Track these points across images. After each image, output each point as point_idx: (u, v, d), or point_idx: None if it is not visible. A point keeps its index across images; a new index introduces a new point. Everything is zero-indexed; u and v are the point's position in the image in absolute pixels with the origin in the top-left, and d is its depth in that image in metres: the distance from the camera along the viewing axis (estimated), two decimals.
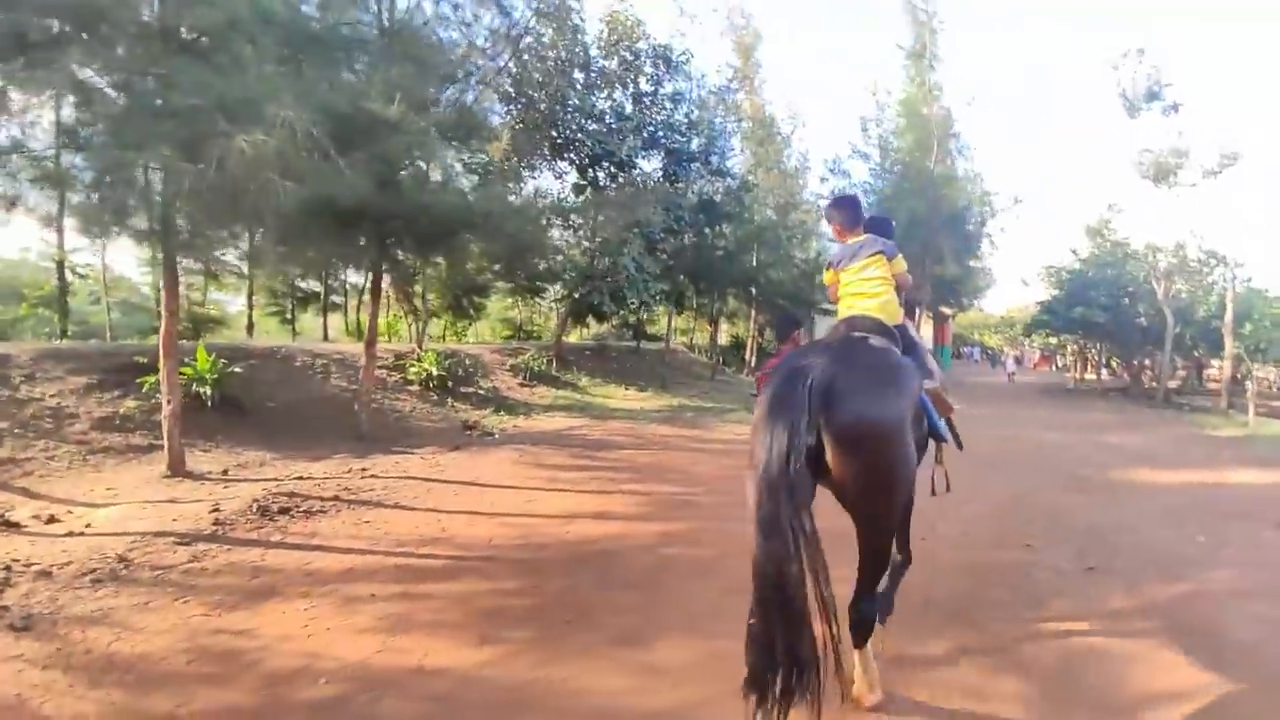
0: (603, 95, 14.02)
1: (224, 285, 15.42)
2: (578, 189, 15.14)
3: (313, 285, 18.02)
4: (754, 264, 20.12)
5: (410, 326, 19.50)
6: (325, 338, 16.50)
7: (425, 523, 5.04)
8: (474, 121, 10.44)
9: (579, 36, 13.30)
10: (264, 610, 3.43)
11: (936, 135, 13.53)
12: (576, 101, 12.46)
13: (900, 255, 3.03)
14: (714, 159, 16.15)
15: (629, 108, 14.68)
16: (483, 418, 10.63)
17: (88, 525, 4.68)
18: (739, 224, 18.75)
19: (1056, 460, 8.29)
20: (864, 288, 2.94)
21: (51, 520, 4.83)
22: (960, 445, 3.33)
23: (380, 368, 11.33)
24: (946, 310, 24.37)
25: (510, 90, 12.41)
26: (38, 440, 6.25)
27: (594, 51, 14.04)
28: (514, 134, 13.21)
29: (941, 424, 2.87)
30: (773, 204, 20.91)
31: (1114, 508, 6.01)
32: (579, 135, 12.68)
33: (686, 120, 15.25)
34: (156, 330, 14.11)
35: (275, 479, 6.25)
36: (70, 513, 5.04)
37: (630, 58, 14.35)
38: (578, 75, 13.63)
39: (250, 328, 16.80)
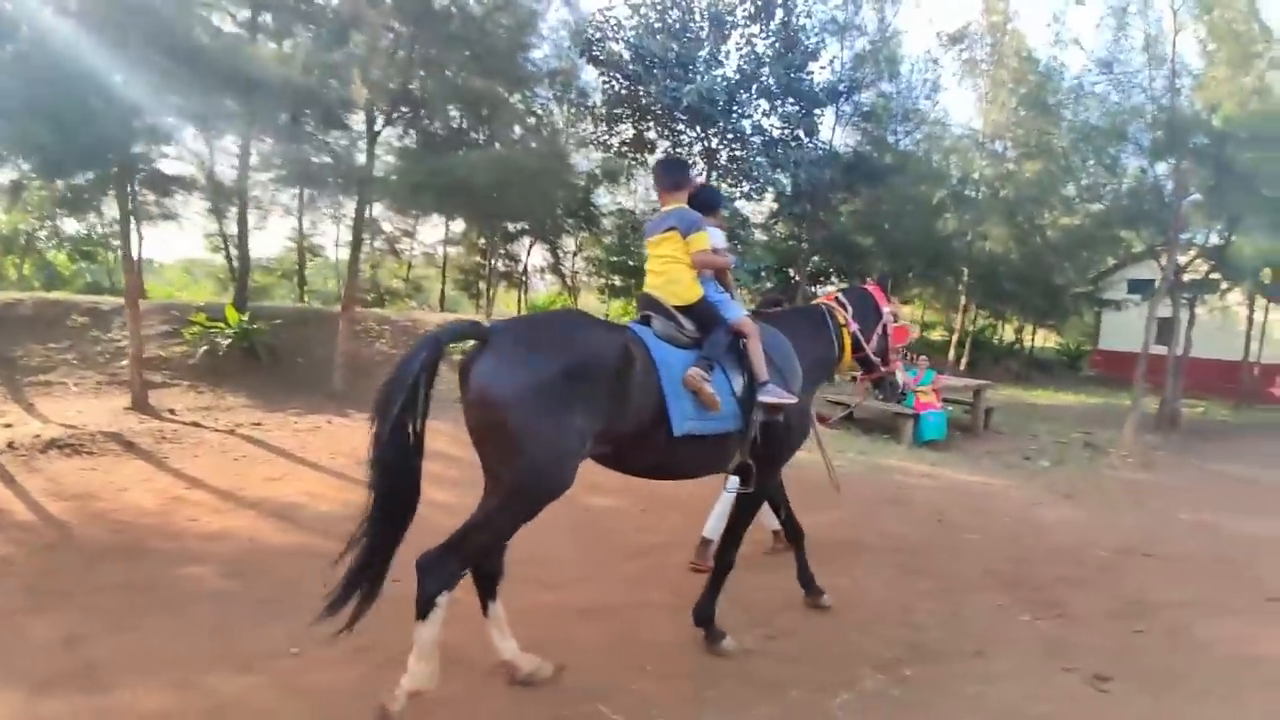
0: (713, 40, 12.02)
1: (402, 262, 18.27)
2: (708, 153, 13.47)
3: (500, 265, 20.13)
4: (963, 235, 15.33)
5: (573, 303, 20.38)
6: (489, 314, 18.28)
7: (128, 483, 4.94)
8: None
9: None
10: None
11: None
12: (652, 50, 10.86)
13: (704, 231, 2.78)
14: (861, 96, 12.46)
15: (760, 47, 12.27)
16: None
17: (9, 441, 5.76)
18: (931, 181, 14.39)
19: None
20: (654, 264, 2.86)
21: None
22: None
23: None
24: None
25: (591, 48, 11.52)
26: (85, 370, 8.14)
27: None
28: (605, 98, 12.33)
29: (683, 414, 2.50)
30: (1012, 153, 15.42)
31: None
32: (652, 89, 11.03)
33: (791, 46, 11.89)
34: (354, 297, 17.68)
35: (187, 423, 7.00)
36: (22, 426, 6.40)
37: None
38: (691, 21, 11.95)
39: (442, 300, 19.62)
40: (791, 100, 12.39)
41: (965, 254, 15.82)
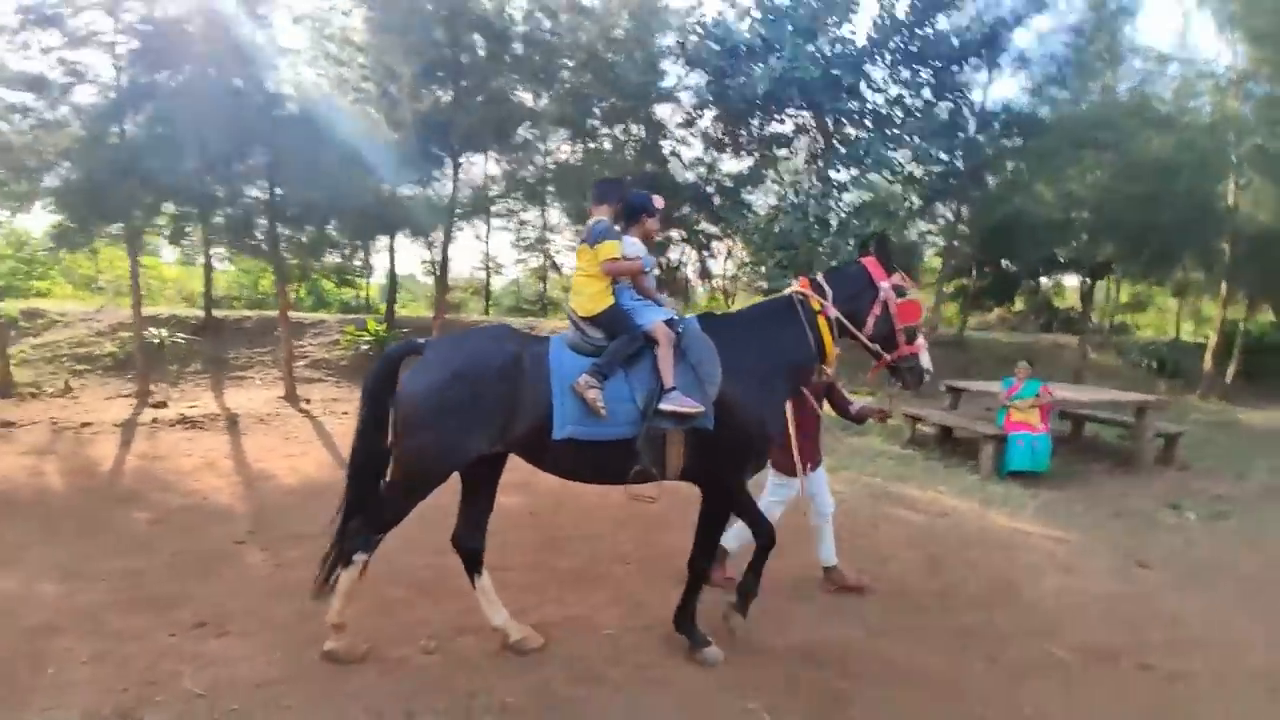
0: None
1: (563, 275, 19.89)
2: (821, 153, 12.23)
3: None
4: (1216, 202, 11.27)
5: (727, 307, 19.91)
6: None
7: (195, 450, 6.50)
8: None
9: None
10: None
11: None
12: (735, 39, 10.15)
13: (609, 241, 2.78)
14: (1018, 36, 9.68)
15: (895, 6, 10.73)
16: None
17: (154, 420, 8.22)
18: (1157, 131, 10.83)
19: None
20: (574, 280, 2.96)
21: (160, 405, 8.66)
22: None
23: None
24: None
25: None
26: (272, 370, 10.76)
27: None
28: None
29: (564, 418, 2.60)
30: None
31: None
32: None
33: None
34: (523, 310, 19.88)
35: (301, 410, 8.87)
36: (202, 409, 8.87)
37: None
38: None
39: None
40: (921, 62, 10.55)
41: (1227, 226, 11.57)
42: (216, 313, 12.14)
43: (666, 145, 17.29)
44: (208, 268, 12.01)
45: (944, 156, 10.46)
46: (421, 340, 2.85)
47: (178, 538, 4.22)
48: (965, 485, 6.22)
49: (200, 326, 11.57)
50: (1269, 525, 5.35)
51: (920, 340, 2.97)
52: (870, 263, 2.98)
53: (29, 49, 7.78)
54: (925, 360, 2.97)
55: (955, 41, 10.36)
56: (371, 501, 2.75)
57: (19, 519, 4.46)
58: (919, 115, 10.40)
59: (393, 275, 13.19)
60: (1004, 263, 18.72)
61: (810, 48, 9.92)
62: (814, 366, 3.00)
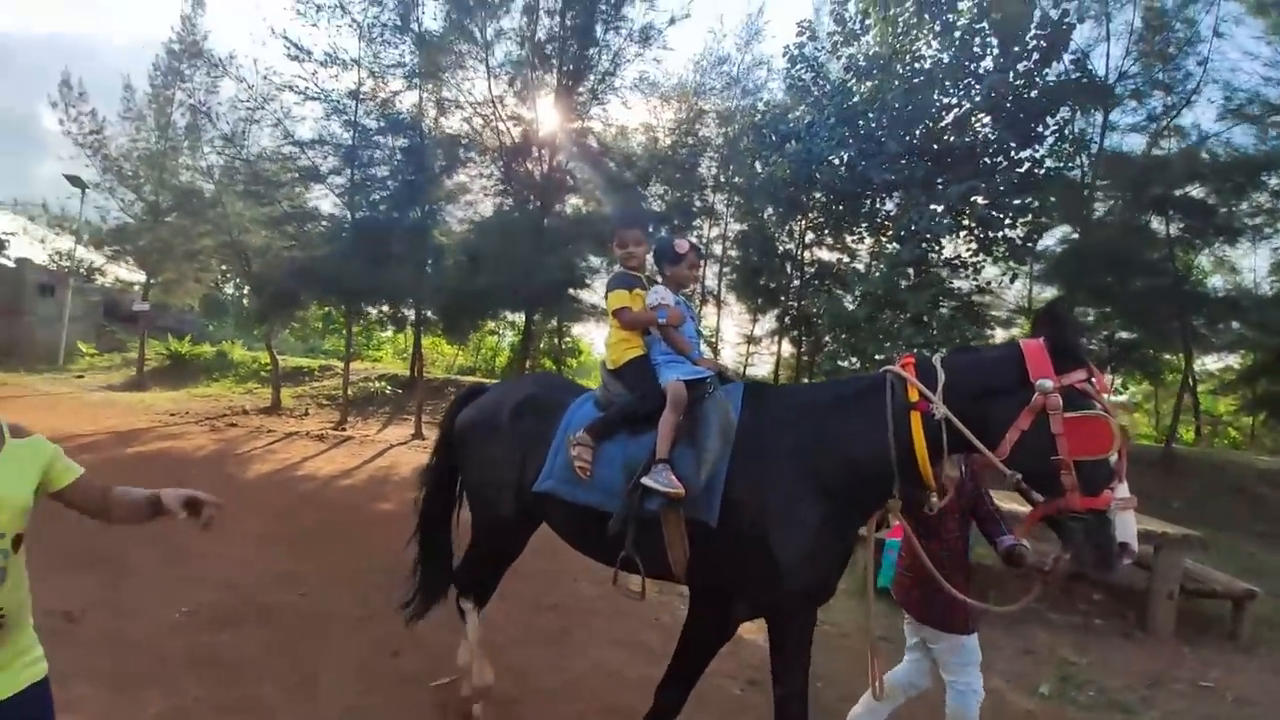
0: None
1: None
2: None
3: None
4: None
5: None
6: None
7: (303, 454, 9.67)
8: None
9: None
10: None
11: None
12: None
13: (616, 291, 2.53)
14: None
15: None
16: None
17: (307, 432, 12.09)
18: None
19: None
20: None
21: (340, 429, 12.57)
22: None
23: None
24: None
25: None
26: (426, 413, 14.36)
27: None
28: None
29: (549, 471, 2.44)
30: None
31: None
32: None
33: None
34: None
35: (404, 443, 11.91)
36: (355, 431, 12.66)
37: None
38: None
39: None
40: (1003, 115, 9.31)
41: None
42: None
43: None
44: (416, 341, 16.68)
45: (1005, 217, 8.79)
46: (489, 384, 3.46)
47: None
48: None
49: (406, 383, 16.13)
50: None
51: (1119, 491, 1.77)
52: (1032, 348, 1.88)
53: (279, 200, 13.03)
54: (1123, 529, 1.77)
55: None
56: (438, 528, 3.06)
57: (156, 463, 7.85)
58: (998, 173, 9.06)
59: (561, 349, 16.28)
60: None
61: (847, 128, 9.78)
62: (888, 482, 2.02)
